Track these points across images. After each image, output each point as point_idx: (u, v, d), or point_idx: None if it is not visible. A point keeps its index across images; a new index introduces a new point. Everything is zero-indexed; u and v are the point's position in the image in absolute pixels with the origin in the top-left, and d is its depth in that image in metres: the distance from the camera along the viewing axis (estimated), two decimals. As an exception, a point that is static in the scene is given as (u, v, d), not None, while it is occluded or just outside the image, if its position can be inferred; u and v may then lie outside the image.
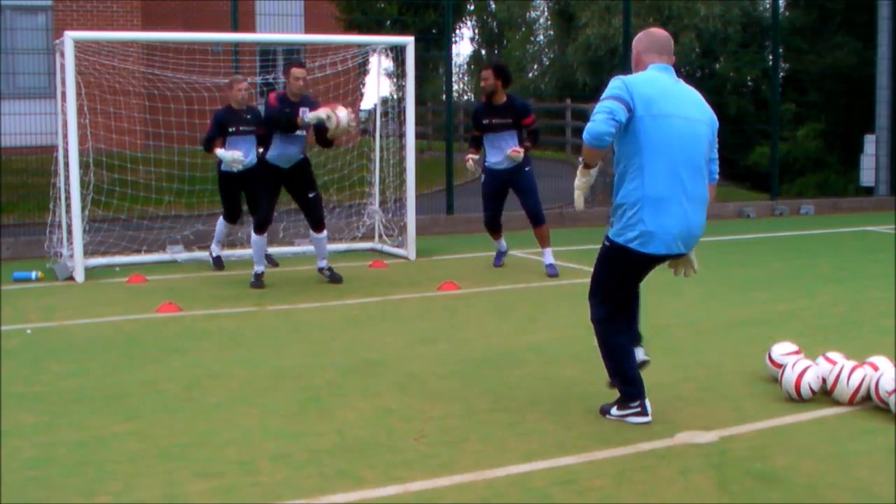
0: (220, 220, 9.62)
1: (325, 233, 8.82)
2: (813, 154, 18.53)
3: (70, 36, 8.94)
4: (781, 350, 5.40)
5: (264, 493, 3.90)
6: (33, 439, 4.56)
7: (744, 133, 19.74)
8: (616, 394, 4.86)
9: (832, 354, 5.20)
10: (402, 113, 10.75)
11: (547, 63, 31.87)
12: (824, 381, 5.03)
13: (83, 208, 9.19)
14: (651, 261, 4.62)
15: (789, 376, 5.03)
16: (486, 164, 9.22)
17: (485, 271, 9.49)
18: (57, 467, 4.20)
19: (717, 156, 4.81)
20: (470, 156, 9.30)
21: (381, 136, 11.00)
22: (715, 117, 4.67)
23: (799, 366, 5.05)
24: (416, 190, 10.71)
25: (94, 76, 10.34)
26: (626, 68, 14.45)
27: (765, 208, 15.00)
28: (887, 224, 13.23)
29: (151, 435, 4.62)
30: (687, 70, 20.57)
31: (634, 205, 4.49)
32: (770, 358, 5.40)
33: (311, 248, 10.70)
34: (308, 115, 8.16)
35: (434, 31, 20.18)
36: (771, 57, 17.08)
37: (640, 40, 4.66)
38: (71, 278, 9.08)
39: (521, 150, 8.88)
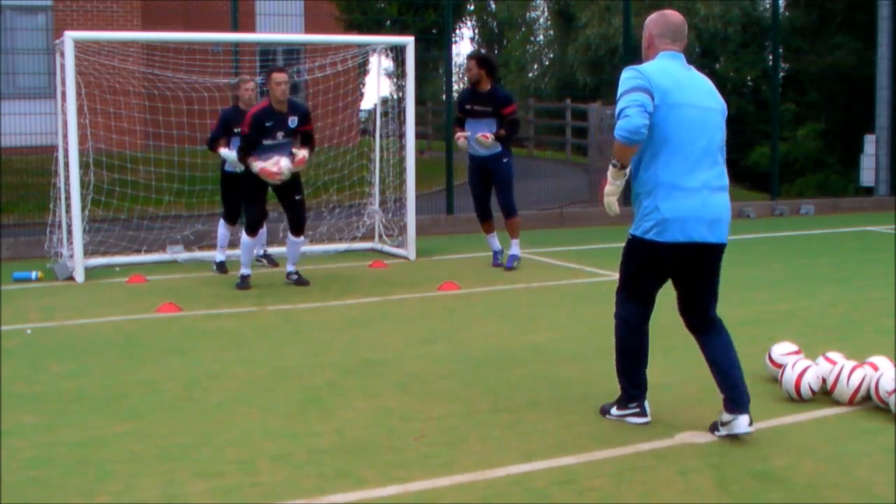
0: (221, 223, 9.57)
1: (302, 238, 8.78)
2: (813, 154, 18.54)
3: (70, 36, 8.94)
4: (781, 350, 5.40)
5: (264, 493, 3.90)
6: (33, 439, 4.56)
7: (744, 133, 19.74)
8: (614, 394, 4.85)
9: (832, 354, 5.21)
10: (402, 113, 10.75)
11: (547, 63, 31.88)
12: (824, 381, 5.03)
13: (83, 208, 9.19)
14: (669, 251, 4.37)
15: (789, 376, 5.03)
16: (469, 151, 9.50)
17: (485, 271, 9.49)
18: (57, 467, 4.20)
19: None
20: (460, 133, 9.52)
21: (381, 136, 11.00)
22: (725, 105, 4.56)
23: (799, 366, 5.05)
24: (416, 190, 10.71)
25: (94, 76, 10.34)
26: (627, 66, 14.49)
27: (765, 208, 15.00)
28: (887, 224, 13.23)
29: (151, 435, 4.62)
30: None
31: (650, 193, 4.36)
32: (770, 358, 5.40)
33: (311, 248, 10.73)
34: (254, 166, 8.21)
35: (434, 31, 20.18)
36: (771, 57, 17.08)
37: (654, 23, 4.51)
38: (71, 278, 9.08)
39: (490, 136, 9.14)
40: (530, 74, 32.94)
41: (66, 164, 9.04)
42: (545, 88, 29.61)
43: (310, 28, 18.60)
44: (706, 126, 4.38)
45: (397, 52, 11.37)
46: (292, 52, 15.19)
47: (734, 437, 4.42)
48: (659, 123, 4.29)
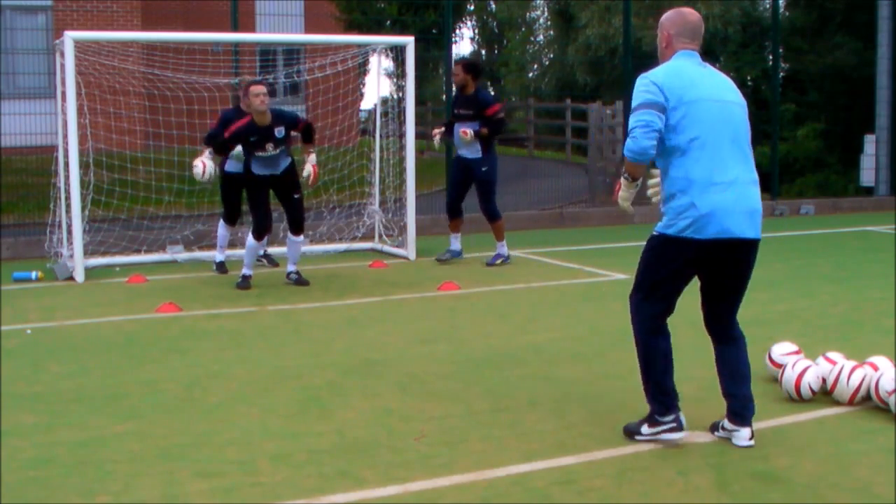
0: (221, 223, 9.55)
1: (302, 237, 8.78)
2: (813, 154, 18.51)
3: (70, 36, 8.94)
4: (781, 350, 5.40)
5: (264, 493, 3.90)
6: (33, 439, 4.56)
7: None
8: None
9: (832, 354, 5.20)
10: (402, 113, 10.75)
11: (547, 63, 31.88)
12: (824, 381, 5.02)
13: (83, 208, 9.19)
14: (706, 249, 4.21)
15: (789, 376, 5.03)
16: (457, 148, 9.91)
17: (485, 271, 9.49)
18: (57, 467, 4.20)
19: None
20: (437, 130, 10.04)
21: (381, 136, 11.00)
22: (744, 101, 4.44)
23: (799, 366, 5.05)
24: (416, 190, 10.72)
25: (94, 76, 10.34)
26: (626, 68, 14.51)
27: (765, 208, 14.76)
28: (887, 224, 13.23)
29: (151, 435, 4.62)
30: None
31: (684, 191, 4.20)
32: (770, 358, 5.40)
33: (311, 248, 10.73)
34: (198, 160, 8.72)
35: (434, 31, 20.18)
36: (771, 57, 17.08)
37: (672, 22, 4.39)
38: (71, 278, 9.08)
39: (469, 132, 9.41)
40: (530, 74, 32.97)
41: (66, 164, 9.04)
42: (545, 88, 29.63)
43: (310, 28, 18.61)
44: (730, 119, 4.26)
45: (397, 52, 11.37)
46: (292, 52, 15.19)
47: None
48: (680, 122, 4.18)
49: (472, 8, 35.10)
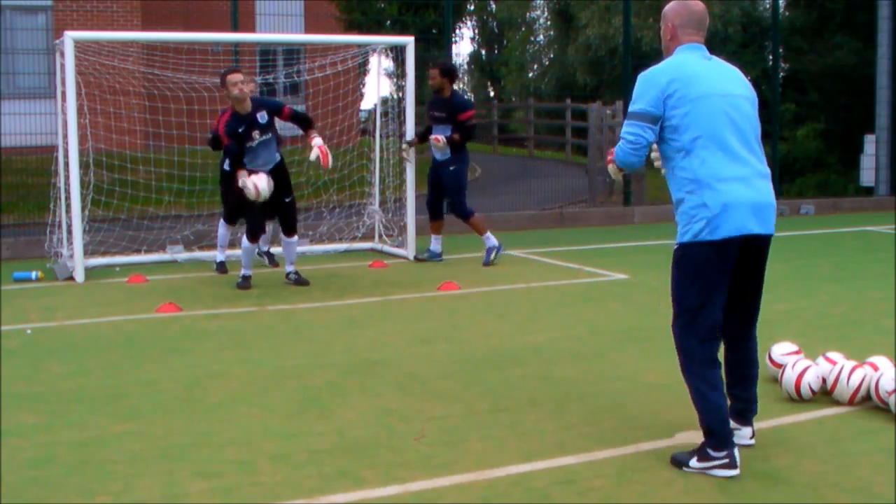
0: (221, 223, 9.52)
1: (296, 237, 8.75)
2: (813, 154, 18.51)
3: (70, 36, 8.94)
4: (781, 350, 5.40)
5: (264, 493, 3.90)
6: (33, 439, 4.56)
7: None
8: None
9: (832, 354, 5.20)
10: (402, 113, 10.76)
11: (547, 63, 31.88)
12: (824, 381, 5.02)
13: (83, 208, 9.19)
14: (724, 251, 4.00)
15: (789, 376, 5.03)
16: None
17: (485, 271, 9.49)
18: (57, 467, 4.20)
19: None
20: (407, 140, 10.31)
21: (381, 136, 11.00)
22: (755, 93, 4.32)
23: (799, 366, 5.05)
24: (416, 190, 10.72)
25: (94, 76, 10.34)
26: (626, 68, 14.51)
27: (765, 208, 14.96)
28: (887, 224, 13.23)
29: (151, 435, 4.62)
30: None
31: (692, 192, 4.03)
32: (770, 358, 5.40)
33: (311, 248, 10.74)
34: (240, 180, 8.09)
35: (434, 31, 20.18)
36: (771, 57, 17.08)
37: (676, 13, 4.23)
38: (71, 278, 9.08)
39: (441, 140, 9.62)
40: (530, 74, 32.94)
41: (66, 164, 9.04)
42: (545, 88, 29.61)
43: (310, 28, 18.62)
44: (737, 113, 4.11)
45: (397, 52, 11.38)
46: (292, 52, 15.20)
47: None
48: (684, 121, 4.04)
49: (472, 8, 35.10)
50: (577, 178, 17.01)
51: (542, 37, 34.10)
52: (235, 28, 12.76)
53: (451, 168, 9.83)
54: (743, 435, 4.32)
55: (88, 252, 9.57)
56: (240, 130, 8.13)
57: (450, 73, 9.81)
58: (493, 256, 9.83)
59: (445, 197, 10.04)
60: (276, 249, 10.03)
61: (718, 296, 4.07)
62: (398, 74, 13.95)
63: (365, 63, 11.94)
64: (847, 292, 8.26)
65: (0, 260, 10.18)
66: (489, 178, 18.57)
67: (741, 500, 3.82)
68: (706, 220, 3.99)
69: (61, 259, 9.34)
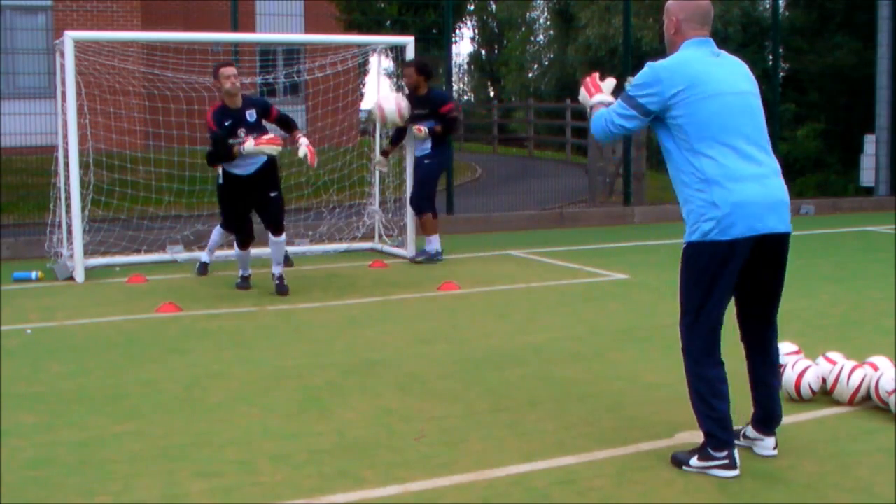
0: (217, 228, 9.31)
1: (283, 237, 8.27)
2: (813, 154, 18.52)
3: (70, 36, 8.94)
4: (781, 350, 5.37)
5: (264, 493, 3.90)
6: (33, 439, 4.56)
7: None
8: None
9: (832, 354, 5.20)
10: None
11: (547, 63, 31.88)
12: (824, 381, 5.03)
13: (83, 208, 9.19)
14: (735, 251, 3.93)
15: (789, 376, 5.03)
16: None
17: (485, 271, 9.49)
18: (57, 467, 4.20)
19: None
20: (381, 157, 10.50)
21: (381, 136, 11.00)
22: (758, 89, 4.22)
23: (799, 366, 5.05)
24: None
25: (94, 76, 10.34)
26: (626, 68, 14.50)
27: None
28: (887, 224, 13.23)
29: (151, 435, 4.62)
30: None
31: (701, 191, 3.94)
32: (770, 358, 5.39)
33: (312, 248, 10.74)
34: (247, 146, 7.74)
35: (434, 31, 20.19)
36: (771, 57, 17.07)
37: (681, 7, 4.12)
38: (71, 278, 9.08)
39: (423, 129, 9.68)
40: (530, 74, 32.96)
41: (66, 164, 9.04)
42: (545, 88, 29.62)
43: (310, 28, 18.62)
44: (745, 110, 4.04)
45: (397, 52, 11.37)
46: (292, 52, 15.20)
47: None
48: (693, 119, 3.96)
49: (472, 8, 35.10)
50: (577, 178, 17.01)
51: (542, 37, 34.12)
52: (235, 28, 12.76)
53: (427, 162, 9.88)
54: (766, 445, 4.26)
55: (88, 252, 9.57)
56: (226, 124, 7.94)
57: (425, 70, 9.89)
58: (424, 259, 9.97)
59: (413, 186, 10.06)
60: (256, 251, 9.74)
61: (723, 297, 4.03)
62: (398, 74, 13.93)
63: (365, 63, 11.94)
64: (847, 292, 8.26)
65: (0, 260, 10.18)
66: (489, 178, 18.57)
67: (741, 499, 3.82)
68: (716, 220, 3.91)
69: (61, 259, 9.34)
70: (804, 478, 4.03)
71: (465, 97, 39.36)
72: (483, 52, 39.11)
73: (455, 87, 13.72)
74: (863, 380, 4.90)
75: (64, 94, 9.04)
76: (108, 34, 13.58)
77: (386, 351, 6.27)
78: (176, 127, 10.88)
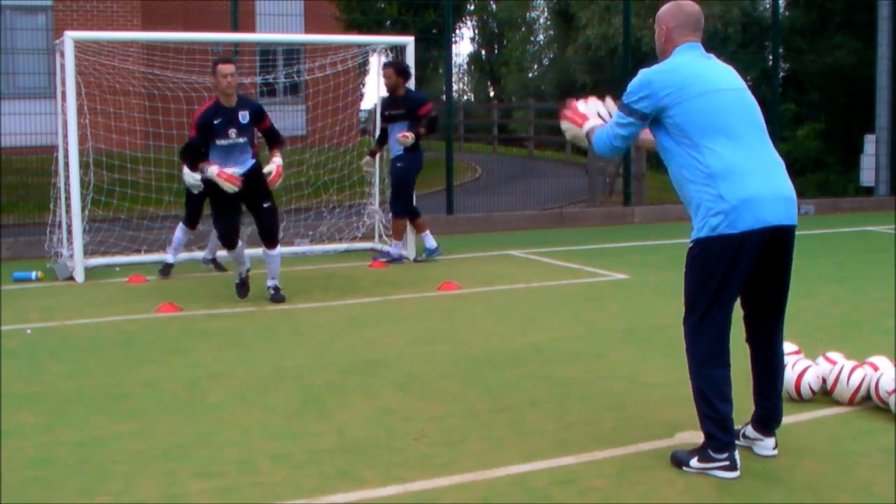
0: (180, 226, 9.23)
1: (277, 250, 7.93)
2: (813, 154, 18.53)
3: (70, 36, 8.94)
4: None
5: (264, 493, 3.90)
6: (33, 439, 4.56)
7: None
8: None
9: (832, 354, 5.20)
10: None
11: (547, 63, 31.89)
12: (824, 381, 5.02)
13: (83, 208, 9.20)
14: (745, 244, 3.88)
15: (789, 376, 5.03)
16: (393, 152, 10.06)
17: (485, 271, 9.49)
18: (57, 467, 4.20)
19: None
20: (368, 158, 10.55)
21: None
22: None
23: (799, 366, 5.05)
24: (416, 190, 10.71)
25: (94, 76, 10.34)
26: (626, 68, 14.50)
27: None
28: (887, 224, 13.23)
29: (151, 435, 4.62)
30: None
31: (707, 185, 3.91)
32: (770, 358, 5.38)
33: (311, 248, 10.74)
34: (208, 171, 7.51)
35: (434, 31, 20.20)
36: (771, 57, 17.08)
37: (671, 14, 4.18)
38: (71, 278, 9.08)
39: (409, 135, 9.70)
40: (530, 74, 32.96)
41: (66, 164, 9.05)
42: (545, 88, 29.62)
43: (310, 28, 18.62)
44: (743, 106, 4.07)
45: (397, 52, 11.36)
46: (292, 52, 15.20)
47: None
48: (690, 117, 3.97)
49: (472, 8, 35.10)
50: (577, 178, 17.01)
51: (542, 37, 34.14)
52: (235, 28, 12.76)
53: (399, 165, 9.90)
54: (766, 446, 4.26)
55: (88, 252, 9.57)
56: (216, 122, 7.65)
57: (404, 72, 9.96)
58: (388, 260, 9.98)
59: (391, 188, 10.09)
60: (222, 254, 9.64)
61: (732, 295, 4.00)
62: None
63: (365, 63, 11.94)
64: (847, 292, 8.26)
65: (0, 260, 10.18)
66: (489, 178, 18.57)
67: (741, 500, 3.82)
68: (724, 214, 3.87)
69: (61, 259, 9.34)
70: (804, 478, 4.03)
71: (465, 97, 39.38)
72: (483, 51, 39.14)
73: (455, 87, 13.70)
74: (863, 380, 4.89)
75: (64, 94, 9.04)
76: (108, 34, 13.58)
77: (386, 351, 6.27)
78: (176, 127, 10.86)
